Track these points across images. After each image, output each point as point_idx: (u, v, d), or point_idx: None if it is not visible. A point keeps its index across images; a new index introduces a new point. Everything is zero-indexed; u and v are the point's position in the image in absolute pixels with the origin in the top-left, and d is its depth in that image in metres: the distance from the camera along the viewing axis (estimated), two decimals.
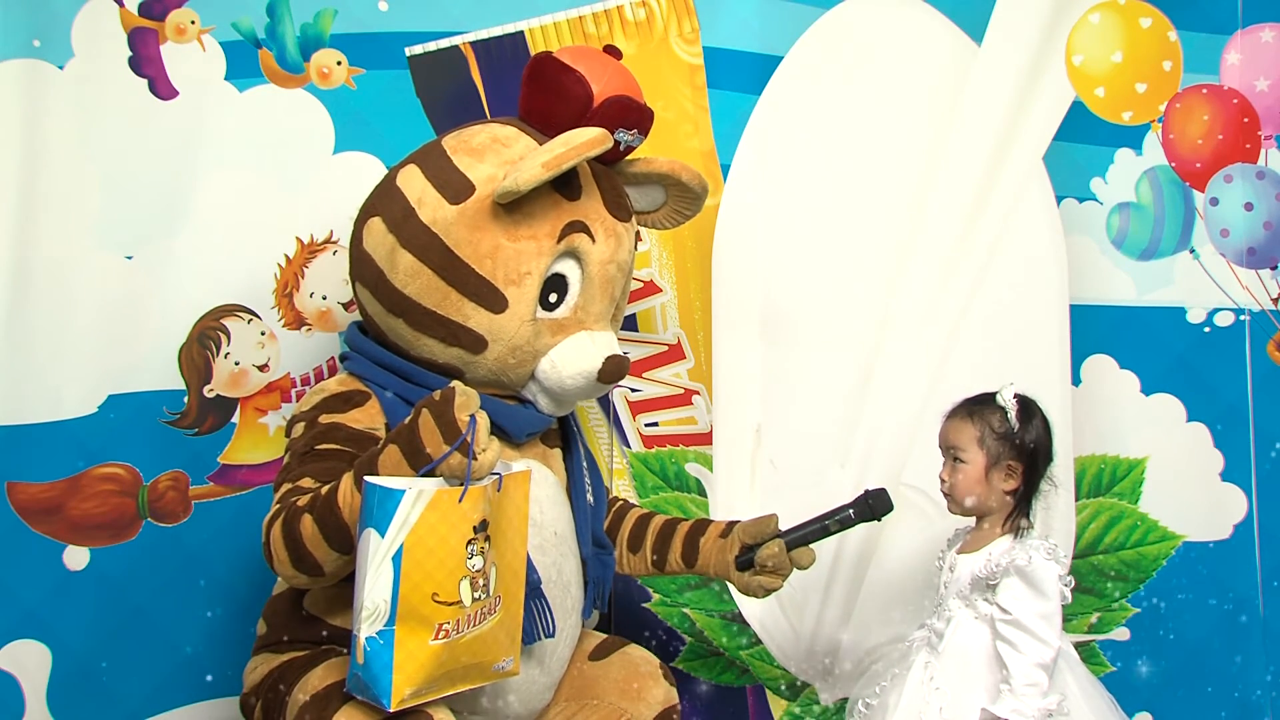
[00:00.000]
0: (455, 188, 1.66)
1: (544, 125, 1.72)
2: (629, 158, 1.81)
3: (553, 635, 1.67)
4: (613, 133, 1.68)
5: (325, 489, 1.53)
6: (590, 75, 1.69)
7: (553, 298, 1.70)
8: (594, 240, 1.70)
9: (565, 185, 1.67)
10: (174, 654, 2.09)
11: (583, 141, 1.62)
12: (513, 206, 1.64)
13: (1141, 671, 2.23)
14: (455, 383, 1.48)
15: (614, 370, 1.71)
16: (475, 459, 1.43)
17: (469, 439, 1.42)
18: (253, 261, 2.13)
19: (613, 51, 1.77)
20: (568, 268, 1.70)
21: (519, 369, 1.70)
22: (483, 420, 1.44)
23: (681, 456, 2.23)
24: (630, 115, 1.72)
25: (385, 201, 1.71)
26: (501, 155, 1.68)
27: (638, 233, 1.84)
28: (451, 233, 1.65)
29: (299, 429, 1.68)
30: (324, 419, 1.66)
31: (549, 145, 1.63)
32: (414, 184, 1.69)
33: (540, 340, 1.69)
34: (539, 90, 1.72)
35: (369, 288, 1.72)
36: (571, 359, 1.70)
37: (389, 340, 1.73)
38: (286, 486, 1.59)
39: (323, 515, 1.50)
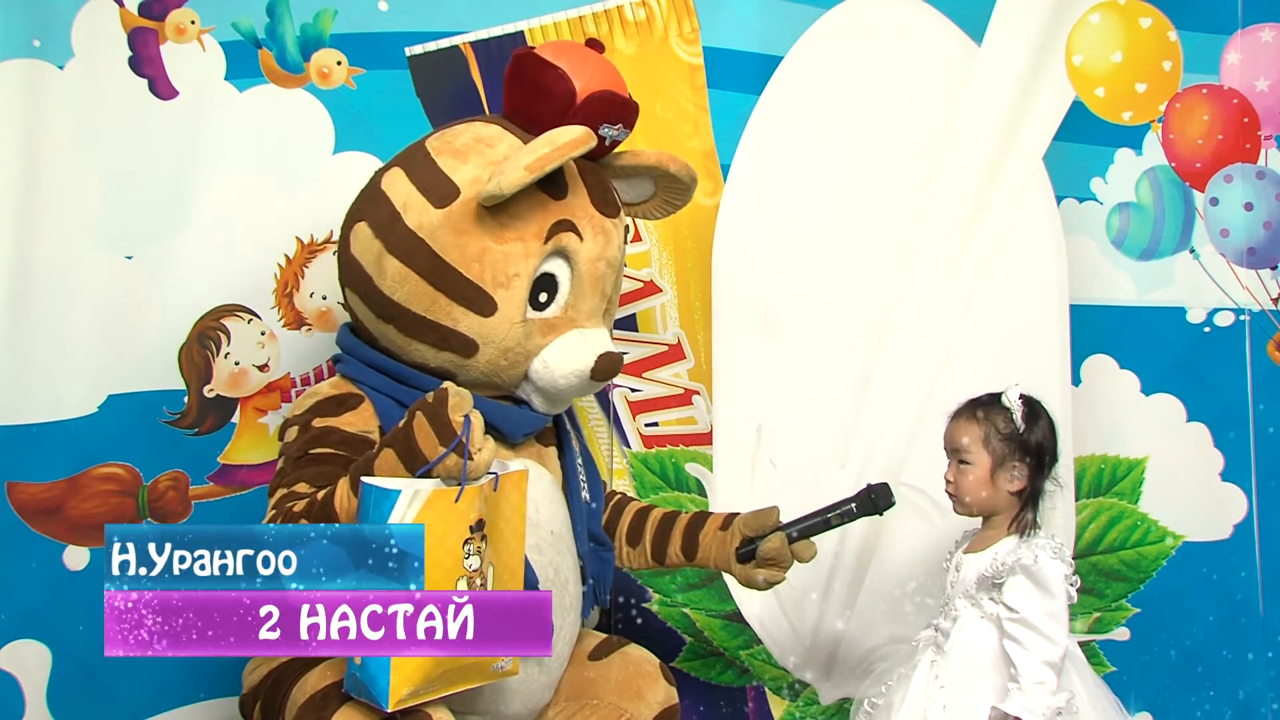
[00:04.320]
0: (440, 191, 1.65)
1: (528, 123, 1.70)
2: (615, 151, 1.80)
3: None
4: (597, 128, 1.66)
5: (321, 493, 1.52)
6: (572, 71, 1.66)
7: (543, 297, 1.69)
8: (582, 238, 1.69)
9: (551, 184, 1.66)
10: None
11: (566, 141, 1.61)
12: (498, 208, 1.63)
13: (1142, 671, 2.23)
14: (448, 384, 1.47)
15: (607, 367, 1.70)
16: (471, 459, 1.43)
17: (464, 440, 1.42)
18: (253, 261, 2.13)
19: (595, 45, 1.75)
20: (557, 267, 1.69)
21: (511, 370, 1.70)
22: (477, 420, 1.44)
23: (681, 456, 2.23)
24: (615, 110, 1.70)
25: (371, 206, 1.70)
26: (485, 156, 1.67)
27: (628, 226, 1.83)
28: (438, 237, 1.64)
29: (292, 433, 1.67)
30: (317, 423, 1.66)
31: (532, 145, 1.62)
32: (399, 188, 1.68)
33: (531, 341, 1.68)
34: (521, 88, 1.71)
35: (358, 293, 1.71)
36: (564, 358, 1.69)
37: (378, 345, 1.73)
38: (281, 492, 1.59)
39: (319, 520, 1.50)
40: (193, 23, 2.11)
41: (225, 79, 2.12)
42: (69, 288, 2.07)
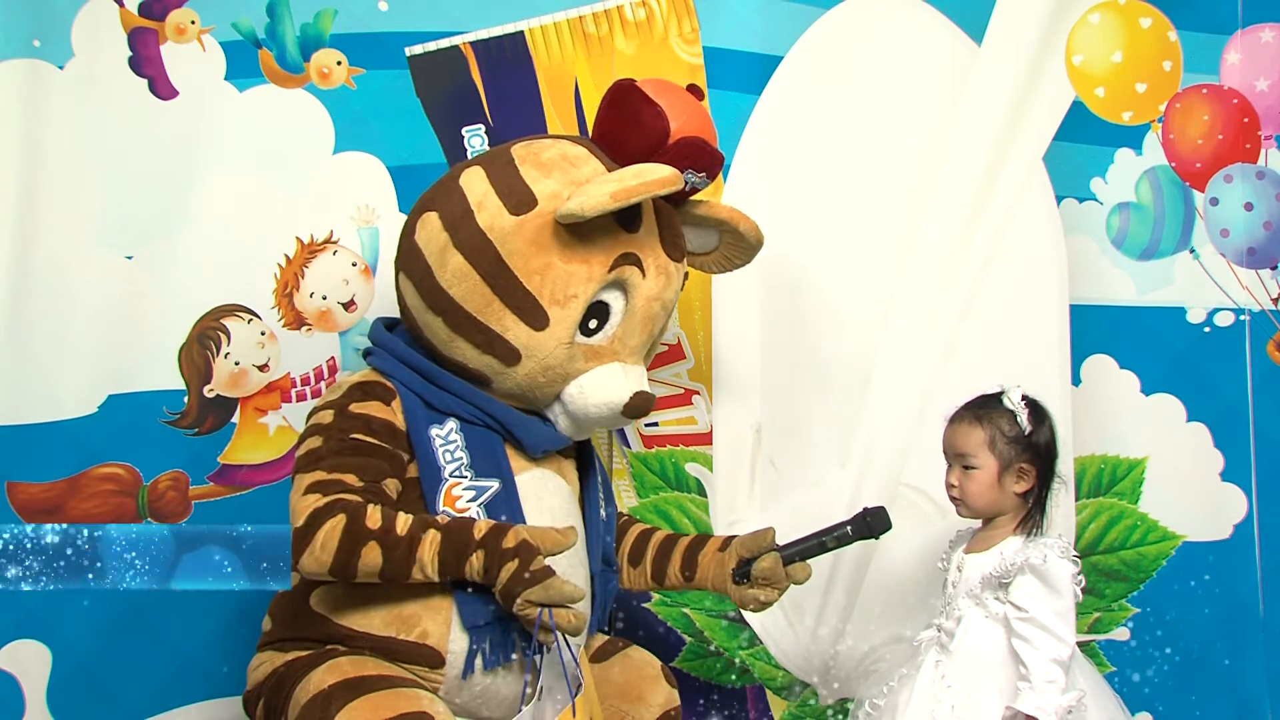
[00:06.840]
0: (518, 198, 1.65)
1: (615, 152, 1.71)
2: (691, 199, 1.81)
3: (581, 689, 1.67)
4: (682, 172, 1.67)
5: (401, 527, 1.56)
6: (670, 111, 1.67)
7: (593, 324, 1.69)
8: (644, 275, 1.70)
9: (626, 216, 1.66)
10: (174, 654, 2.09)
11: (655, 179, 1.61)
12: (572, 228, 1.63)
13: (1142, 671, 2.23)
14: (540, 558, 1.55)
15: (640, 406, 1.71)
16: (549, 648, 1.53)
17: (552, 632, 1.52)
18: (253, 261, 2.13)
19: (695, 91, 1.76)
20: (613, 297, 1.69)
21: (547, 388, 1.70)
22: (564, 616, 1.53)
23: (681, 456, 2.23)
24: (703, 157, 1.71)
25: (445, 198, 1.70)
26: (569, 174, 1.67)
27: (687, 273, 1.83)
28: (507, 242, 1.64)
29: (327, 415, 1.66)
30: (355, 408, 1.66)
31: (620, 174, 1.62)
32: (476, 186, 1.68)
33: (574, 364, 1.69)
34: (616, 117, 1.71)
35: (413, 281, 1.71)
36: (600, 388, 1.70)
37: (422, 336, 1.72)
38: (321, 475, 1.58)
39: (392, 550, 1.54)
40: (193, 23, 2.11)
41: (225, 79, 2.12)
42: (69, 288, 2.07)
